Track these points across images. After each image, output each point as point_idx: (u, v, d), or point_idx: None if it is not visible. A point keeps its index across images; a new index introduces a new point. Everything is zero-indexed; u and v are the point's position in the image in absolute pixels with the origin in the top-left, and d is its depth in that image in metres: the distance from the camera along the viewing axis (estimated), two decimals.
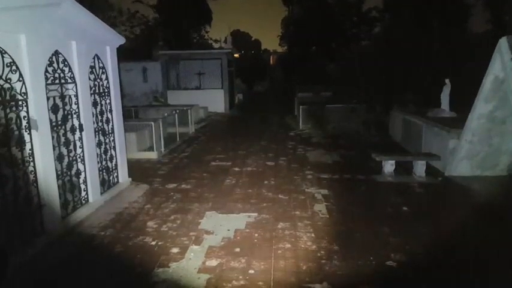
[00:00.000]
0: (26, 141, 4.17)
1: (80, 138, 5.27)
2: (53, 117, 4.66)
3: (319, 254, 4.12)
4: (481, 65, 6.38)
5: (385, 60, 14.19)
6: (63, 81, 4.92)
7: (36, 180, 4.28)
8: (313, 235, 4.59)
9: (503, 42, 5.71)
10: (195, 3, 26.75)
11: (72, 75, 5.11)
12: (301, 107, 13.30)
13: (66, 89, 5.02)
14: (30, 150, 4.21)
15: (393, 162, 7.16)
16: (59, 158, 4.78)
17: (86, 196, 5.41)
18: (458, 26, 17.12)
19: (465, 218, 5.25)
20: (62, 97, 4.90)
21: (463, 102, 7.30)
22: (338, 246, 4.29)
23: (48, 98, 4.53)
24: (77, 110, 5.21)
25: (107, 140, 6.11)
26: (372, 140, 10.68)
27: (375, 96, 13.26)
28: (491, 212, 5.38)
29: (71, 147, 5.08)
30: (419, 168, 7.01)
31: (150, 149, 9.10)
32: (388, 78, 13.63)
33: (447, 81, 8.62)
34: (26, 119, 4.15)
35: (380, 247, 4.25)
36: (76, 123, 5.20)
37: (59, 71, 4.81)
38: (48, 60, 4.60)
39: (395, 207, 5.57)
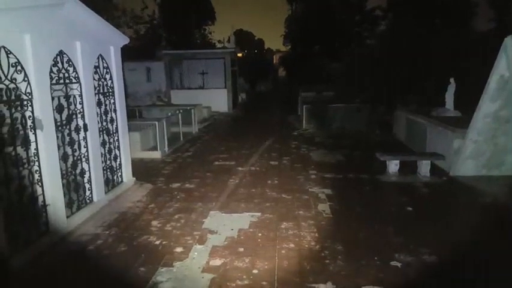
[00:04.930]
0: (31, 141, 4.19)
1: (85, 138, 5.29)
2: (57, 117, 4.68)
3: (323, 254, 4.11)
4: (485, 64, 6.34)
5: (388, 59, 14.13)
6: (67, 81, 4.94)
7: (41, 180, 4.30)
8: (317, 235, 4.59)
9: (508, 41, 5.68)
10: (199, 3, 26.80)
11: (76, 75, 5.13)
12: (304, 106, 13.28)
13: (71, 89, 5.04)
14: (35, 149, 4.23)
15: (397, 161, 7.13)
16: (64, 158, 4.80)
17: (90, 195, 5.43)
18: (462, 25, 17.03)
19: (470, 218, 5.23)
20: (67, 97, 4.92)
21: (468, 102, 7.26)
22: (342, 246, 4.28)
23: (53, 98, 4.54)
24: (81, 110, 5.23)
25: (111, 140, 6.13)
26: (376, 139, 10.65)
27: (379, 95, 13.22)
28: (497, 212, 5.35)
29: (76, 146, 5.10)
30: (424, 168, 6.97)
31: (154, 148, 9.12)
32: (391, 78, 13.58)
33: (452, 80, 8.59)
34: (31, 118, 4.17)
35: (384, 247, 4.24)
36: (80, 122, 5.22)
37: (63, 71, 4.83)
38: (53, 60, 4.61)
39: (399, 207, 5.54)
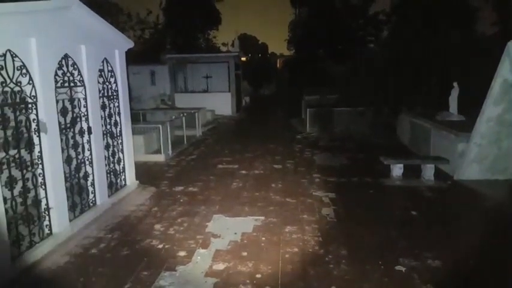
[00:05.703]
0: (35, 144, 4.21)
1: (88, 141, 5.31)
2: (62, 120, 4.69)
3: (327, 259, 4.08)
4: (489, 67, 6.31)
5: (392, 62, 14.12)
6: (72, 84, 4.96)
7: (44, 183, 4.31)
8: (320, 239, 4.56)
9: (511, 45, 5.65)
10: (204, 7, 26.93)
11: (81, 79, 5.15)
12: (308, 109, 13.27)
13: (75, 92, 5.07)
14: (39, 152, 4.25)
15: (401, 165, 7.09)
16: (68, 161, 4.81)
17: (93, 199, 5.43)
18: (465, 29, 16.97)
19: (475, 222, 5.18)
20: (71, 100, 4.94)
21: (472, 105, 7.22)
22: (346, 250, 4.26)
23: (57, 101, 4.57)
24: (85, 113, 5.25)
25: (115, 143, 6.14)
26: (380, 143, 10.61)
27: (383, 98, 13.19)
28: (502, 216, 5.29)
29: (79, 149, 5.12)
30: (428, 171, 6.93)
31: (158, 151, 9.14)
32: (396, 81, 13.56)
33: (455, 84, 8.54)
34: (35, 121, 4.19)
35: (389, 251, 4.20)
36: (85, 126, 5.24)
37: (68, 74, 4.85)
38: (58, 64, 4.64)
39: (403, 211, 5.51)
